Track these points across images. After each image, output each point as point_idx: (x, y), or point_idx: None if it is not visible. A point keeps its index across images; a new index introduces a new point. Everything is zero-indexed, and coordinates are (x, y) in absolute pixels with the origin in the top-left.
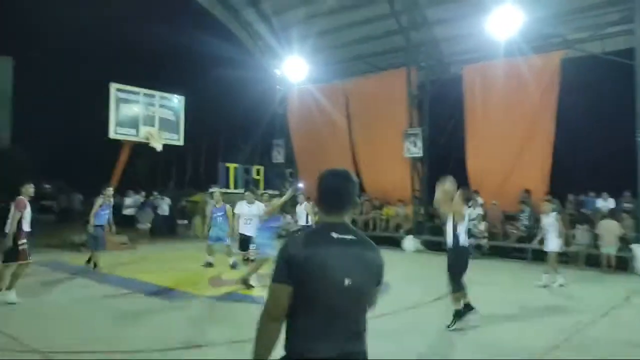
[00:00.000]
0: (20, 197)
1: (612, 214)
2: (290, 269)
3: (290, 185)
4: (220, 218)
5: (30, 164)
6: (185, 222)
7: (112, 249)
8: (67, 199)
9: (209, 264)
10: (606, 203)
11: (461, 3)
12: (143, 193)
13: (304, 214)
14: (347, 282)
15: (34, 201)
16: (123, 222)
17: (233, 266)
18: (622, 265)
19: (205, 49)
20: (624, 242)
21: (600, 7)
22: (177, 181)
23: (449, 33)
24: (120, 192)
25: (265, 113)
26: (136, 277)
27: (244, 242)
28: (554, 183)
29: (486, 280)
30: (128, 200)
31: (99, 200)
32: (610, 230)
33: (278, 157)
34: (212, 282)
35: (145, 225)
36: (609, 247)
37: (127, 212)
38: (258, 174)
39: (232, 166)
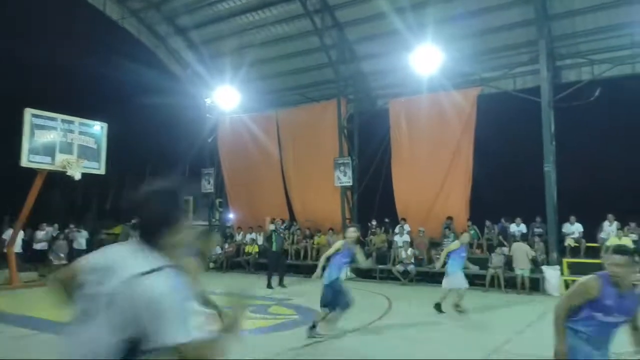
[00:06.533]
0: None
1: (524, 238)
2: None
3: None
4: None
5: None
6: None
7: (19, 287)
8: None
9: None
10: (519, 228)
11: (386, 40)
12: (56, 225)
13: None
14: None
15: None
16: (35, 258)
17: None
18: (535, 286)
19: (130, 75)
20: (536, 265)
21: (511, 48)
22: (98, 212)
23: (376, 68)
24: (32, 225)
25: (195, 142)
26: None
27: None
28: (474, 210)
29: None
30: (40, 234)
31: (338, 244)
32: (521, 253)
33: (207, 186)
34: None
35: (59, 260)
36: (522, 269)
37: (39, 246)
38: (186, 204)
39: None
